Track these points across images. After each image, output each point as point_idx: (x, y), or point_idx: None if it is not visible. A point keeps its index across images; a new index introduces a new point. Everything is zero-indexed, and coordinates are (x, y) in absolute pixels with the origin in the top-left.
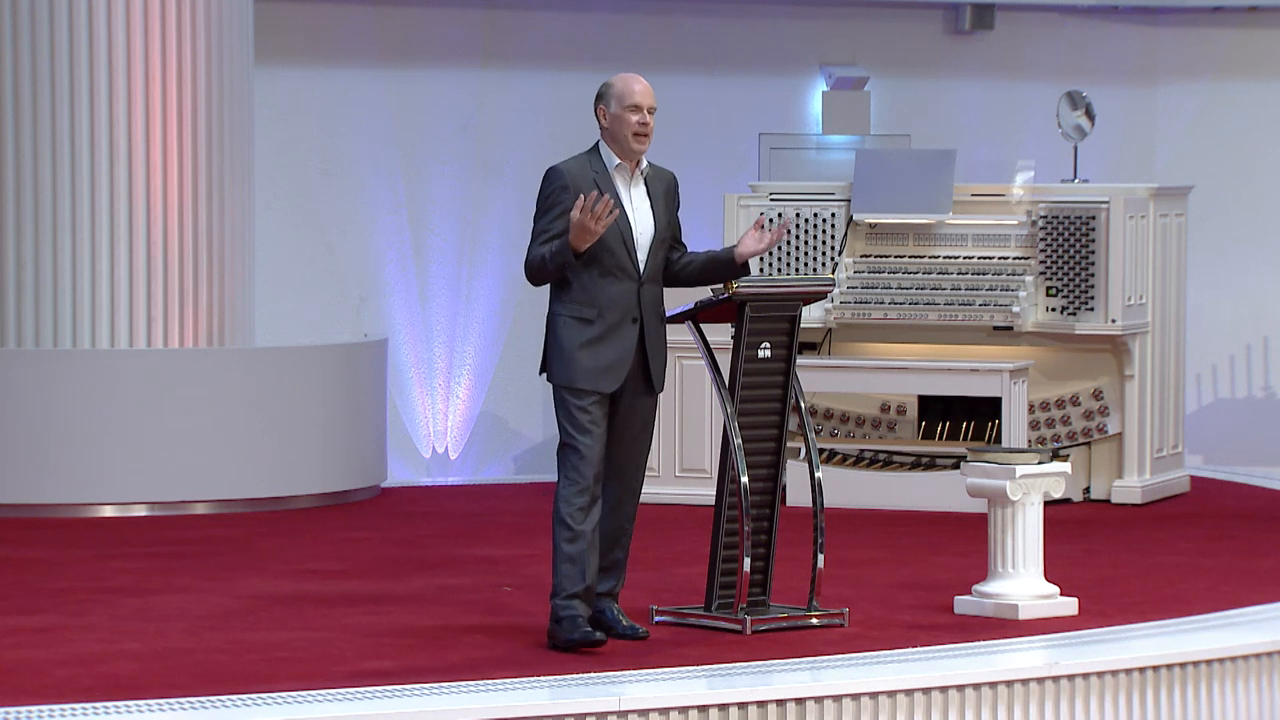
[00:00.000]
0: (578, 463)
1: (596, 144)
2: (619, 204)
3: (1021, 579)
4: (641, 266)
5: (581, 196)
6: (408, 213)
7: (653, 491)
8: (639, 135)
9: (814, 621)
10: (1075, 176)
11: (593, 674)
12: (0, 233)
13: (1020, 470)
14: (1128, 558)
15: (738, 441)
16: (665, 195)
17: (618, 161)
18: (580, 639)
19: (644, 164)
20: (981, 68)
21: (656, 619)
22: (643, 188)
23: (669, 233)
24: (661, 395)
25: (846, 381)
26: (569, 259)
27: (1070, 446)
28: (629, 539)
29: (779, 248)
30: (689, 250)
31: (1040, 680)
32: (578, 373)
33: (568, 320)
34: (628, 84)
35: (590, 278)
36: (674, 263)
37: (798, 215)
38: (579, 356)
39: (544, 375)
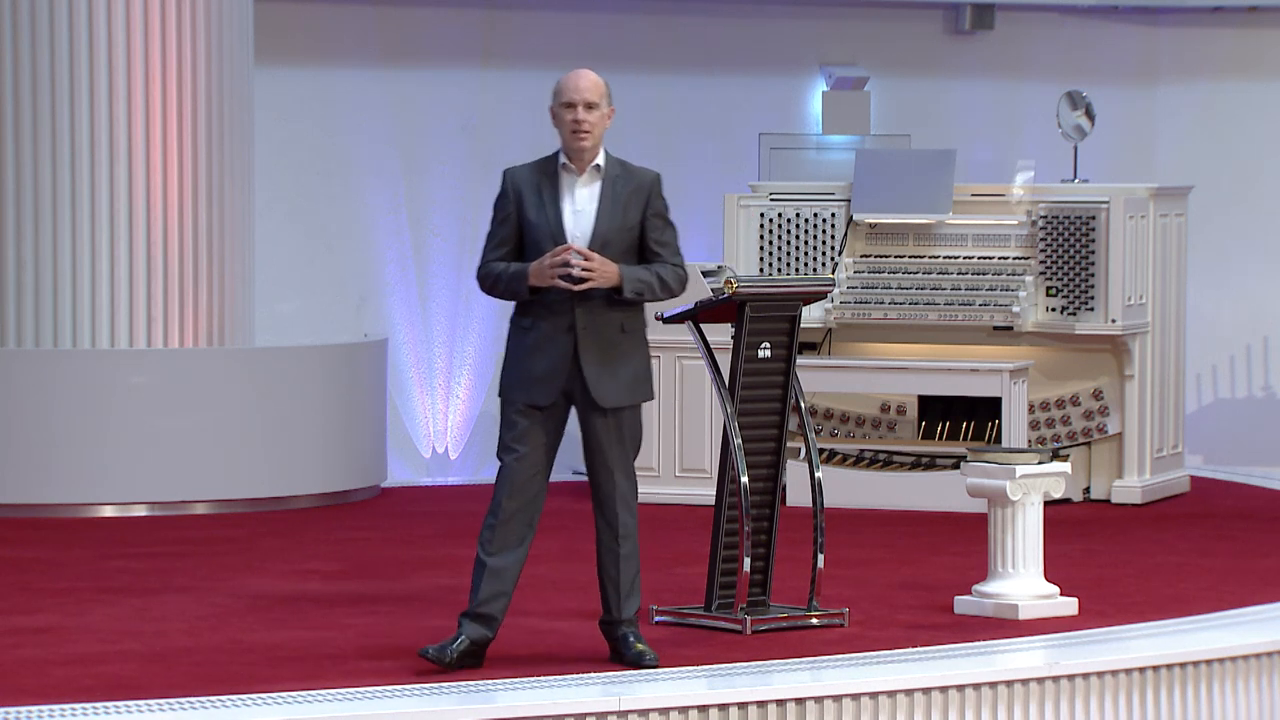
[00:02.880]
0: (499, 481)
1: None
2: (557, 204)
3: (1021, 579)
4: (597, 294)
5: (569, 250)
6: (408, 213)
7: (653, 491)
8: (576, 133)
9: (814, 621)
10: (1075, 176)
11: (593, 674)
12: (0, 233)
13: (1020, 470)
14: (1128, 558)
15: (738, 441)
16: (629, 196)
17: (564, 160)
18: (422, 652)
19: (601, 162)
20: (982, 68)
21: (656, 619)
22: (594, 188)
23: (624, 236)
24: (661, 395)
25: (846, 381)
26: (523, 291)
27: (1070, 446)
28: (621, 566)
29: (779, 248)
30: (669, 261)
31: (1040, 680)
32: (509, 382)
33: (514, 327)
34: (567, 80)
35: (534, 287)
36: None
37: (798, 215)
38: (513, 365)
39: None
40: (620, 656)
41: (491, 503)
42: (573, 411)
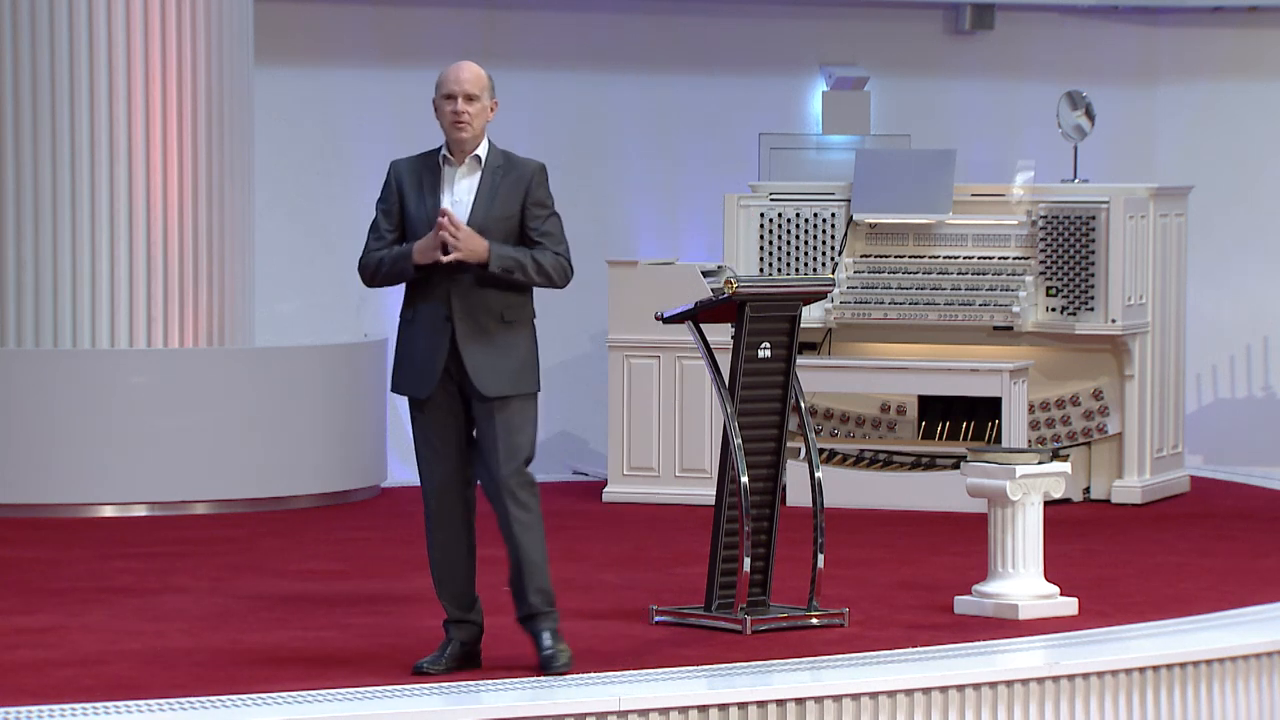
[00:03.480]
0: (421, 485)
1: None
2: (436, 195)
3: (1021, 579)
4: (465, 271)
5: (443, 209)
6: None
7: (653, 491)
8: (455, 124)
9: (814, 621)
10: (1075, 176)
11: (593, 674)
12: (0, 233)
13: (1020, 470)
14: (1128, 558)
15: (738, 441)
16: (509, 187)
17: (444, 152)
18: (416, 668)
19: (482, 153)
20: (981, 68)
21: (656, 619)
22: (474, 179)
23: (501, 226)
24: (661, 395)
25: (846, 381)
26: (409, 270)
27: (1070, 446)
28: (530, 559)
29: (779, 248)
30: (551, 249)
31: (1040, 680)
32: (394, 376)
33: (400, 322)
34: (448, 72)
35: (415, 277)
36: None
37: (798, 215)
38: (397, 359)
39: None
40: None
41: (425, 507)
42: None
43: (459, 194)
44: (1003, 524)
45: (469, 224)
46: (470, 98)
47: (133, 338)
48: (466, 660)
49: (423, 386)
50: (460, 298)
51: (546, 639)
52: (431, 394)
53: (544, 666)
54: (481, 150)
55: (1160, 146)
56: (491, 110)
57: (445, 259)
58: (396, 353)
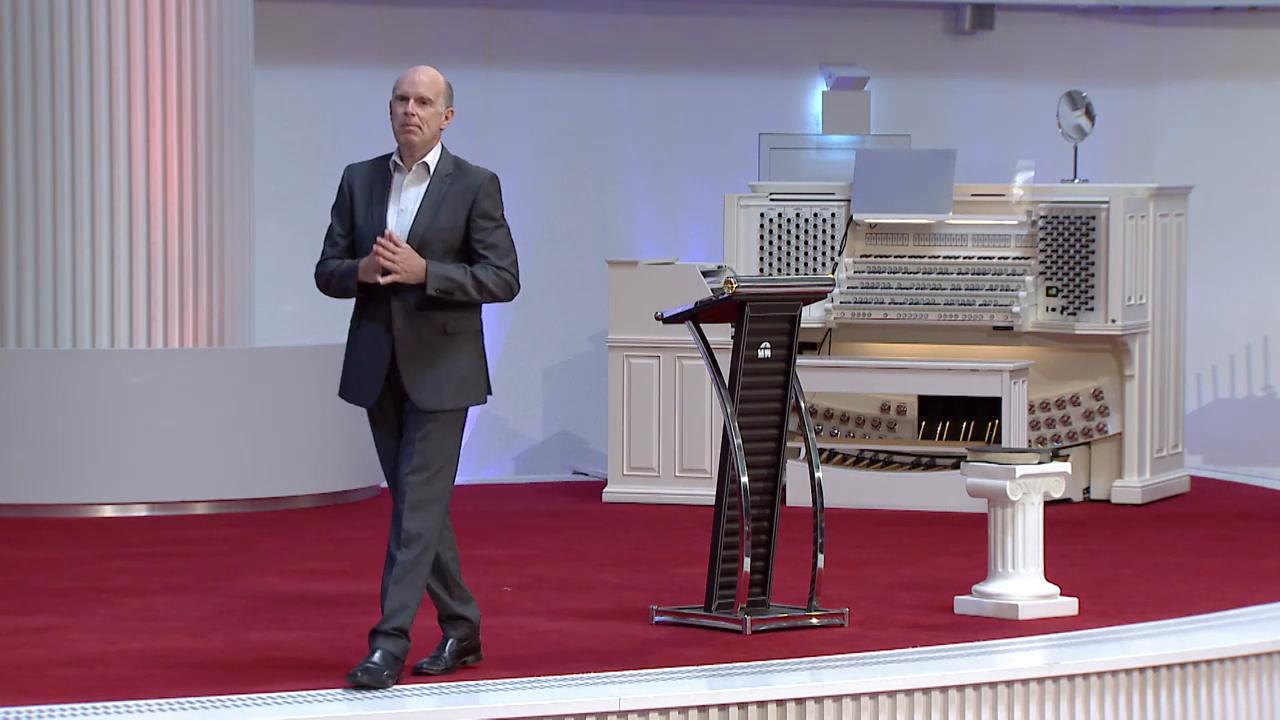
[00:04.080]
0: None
1: None
2: (384, 204)
3: (1021, 579)
4: (408, 294)
5: (385, 235)
6: None
7: (653, 491)
8: (405, 127)
9: (814, 621)
10: (1075, 176)
11: (593, 674)
12: (1, 233)
13: (1020, 470)
14: (1128, 558)
15: (738, 441)
16: (455, 197)
17: (395, 159)
18: (415, 668)
19: (431, 161)
20: (982, 68)
21: (656, 619)
22: (421, 187)
23: (444, 237)
24: (661, 395)
25: (846, 381)
26: (351, 287)
27: (1070, 446)
28: (406, 578)
29: (779, 248)
30: (494, 263)
31: (1040, 680)
32: (343, 385)
33: (349, 328)
34: (405, 75)
35: (364, 285)
36: None
37: (798, 215)
38: (345, 365)
39: None
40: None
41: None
42: None
43: (405, 202)
44: (1003, 524)
45: (411, 234)
46: (423, 101)
47: (133, 338)
48: (464, 655)
49: (365, 396)
50: (402, 311)
51: (378, 658)
52: (378, 403)
53: (358, 671)
54: (431, 158)
55: (1160, 146)
56: (446, 118)
57: (382, 280)
58: (345, 360)
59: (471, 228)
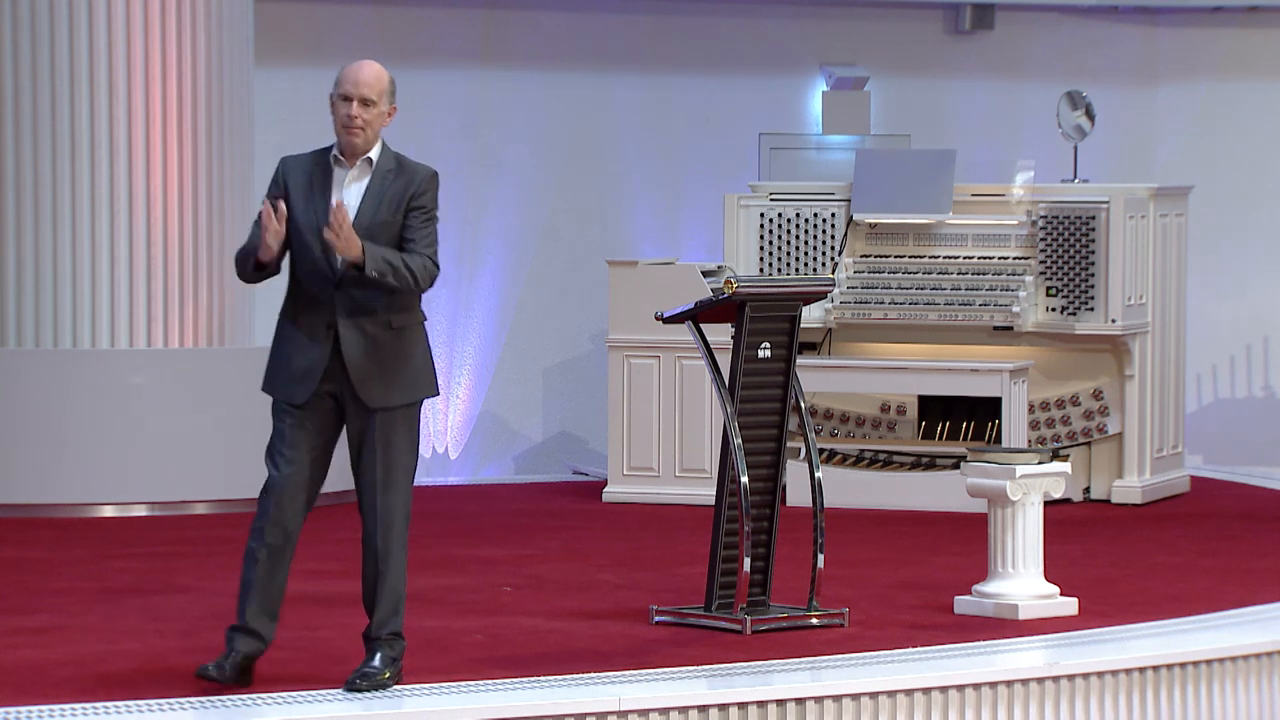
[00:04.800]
0: (266, 485)
1: None
2: (326, 198)
3: (1021, 579)
4: (336, 268)
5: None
6: None
7: (653, 491)
8: (348, 128)
9: (814, 621)
10: (1075, 176)
11: (593, 674)
12: (1, 233)
13: (1020, 470)
14: (1128, 558)
15: (738, 441)
16: (396, 192)
17: (335, 153)
18: (200, 672)
19: (374, 156)
20: (982, 68)
21: (656, 619)
22: (364, 183)
23: (386, 232)
24: (661, 395)
25: (846, 381)
26: (254, 255)
27: (1070, 446)
28: (388, 583)
29: (779, 248)
30: (420, 251)
31: (1040, 680)
32: (269, 377)
33: (280, 323)
34: (348, 71)
35: (297, 280)
36: None
37: (798, 215)
38: (274, 361)
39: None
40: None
41: (258, 510)
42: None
43: (349, 198)
44: (1003, 524)
45: (355, 226)
46: (366, 102)
47: (133, 337)
48: (245, 676)
49: (299, 393)
50: (345, 305)
51: (377, 660)
52: (309, 400)
53: (357, 679)
54: (374, 153)
55: (1160, 146)
56: (389, 115)
57: (355, 257)
58: (273, 354)
59: (406, 220)
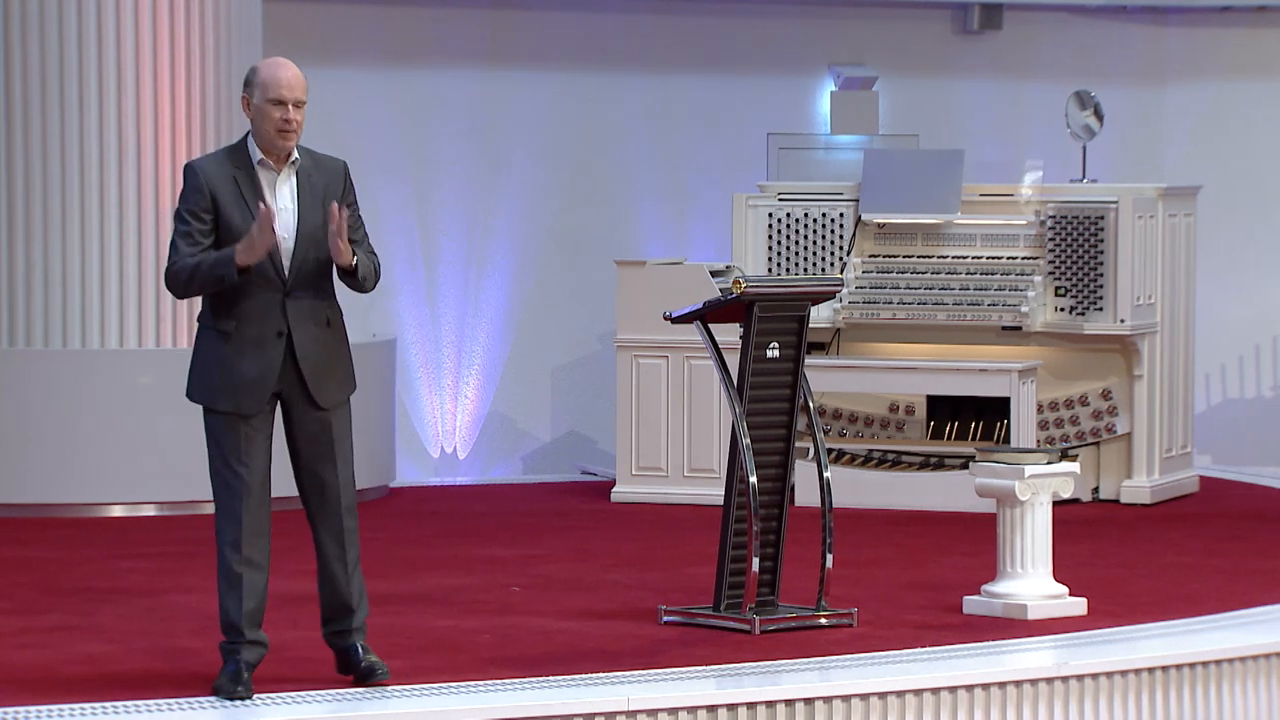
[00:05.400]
0: (227, 497)
1: (246, 136)
2: (258, 199)
3: (1030, 579)
4: (286, 273)
5: (262, 205)
6: (416, 213)
7: (661, 491)
8: (284, 131)
9: (823, 621)
10: (1084, 176)
11: (601, 674)
12: (10, 234)
13: (1029, 470)
14: (1137, 558)
15: (746, 441)
16: (325, 190)
17: (260, 157)
18: (228, 694)
19: (296, 157)
20: (990, 68)
21: (665, 619)
22: (292, 183)
23: (322, 232)
24: (669, 395)
25: (855, 381)
26: (230, 274)
27: (1079, 446)
28: (349, 572)
29: (788, 248)
30: (373, 252)
31: (1049, 680)
32: (213, 389)
33: (210, 331)
34: (274, 73)
35: (232, 288)
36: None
37: (806, 215)
38: (214, 371)
39: (190, 397)
40: (350, 668)
41: (228, 523)
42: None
43: (282, 200)
44: (1011, 524)
45: (298, 233)
46: (298, 104)
47: (142, 338)
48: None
49: (253, 403)
50: (294, 310)
51: (361, 651)
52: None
53: (367, 677)
54: (294, 152)
55: (1169, 146)
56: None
57: (349, 262)
58: (207, 366)
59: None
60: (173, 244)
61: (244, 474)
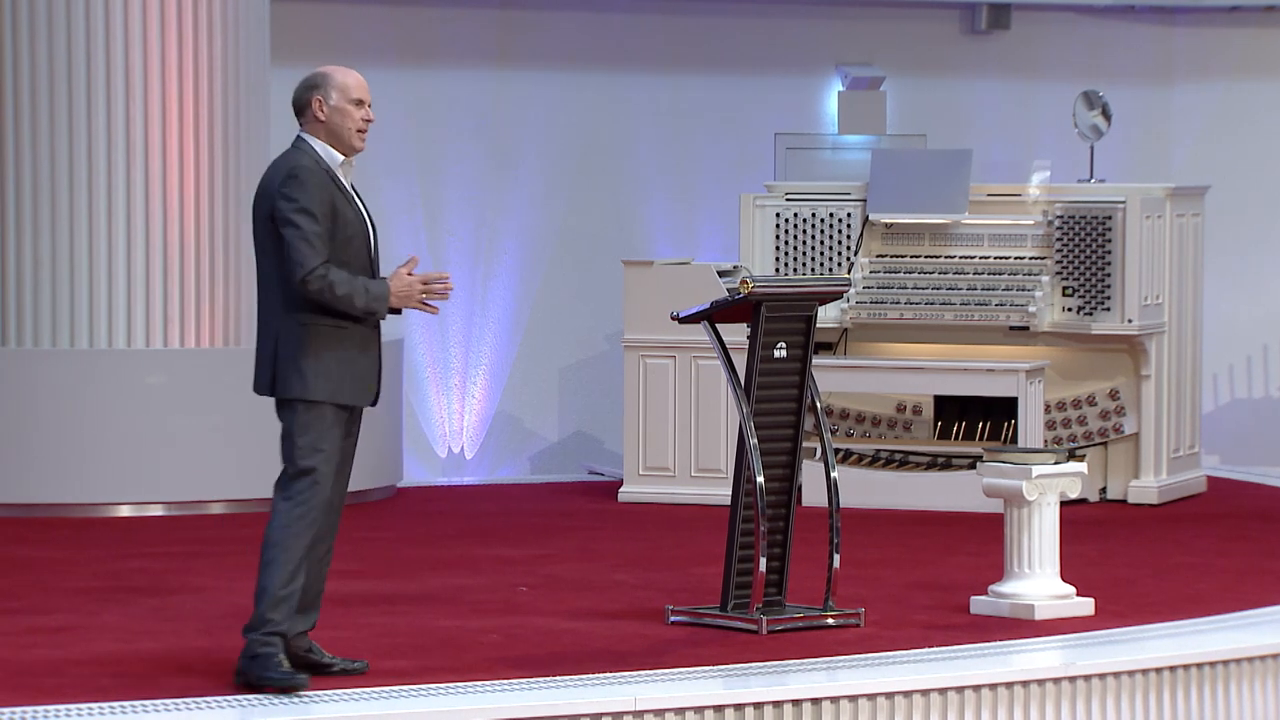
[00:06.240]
0: (312, 492)
1: (298, 138)
2: (349, 201)
3: (1038, 579)
4: (379, 267)
5: (415, 263)
6: (423, 213)
7: (668, 491)
8: (363, 131)
9: (830, 621)
10: (1091, 176)
11: (608, 674)
12: (19, 234)
13: (1036, 470)
14: (1144, 558)
15: (754, 441)
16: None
17: (341, 159)
18: (282, 679)
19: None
20: (997, 67)
21: (672, 619)
22: (351, 180)
23: None
24: (677, 395)
25: (862, 381)
26: (382, 312)
27: (1086, 446)
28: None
29: (795, 247)
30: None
31: (1056, 681)
32: (334, 386)
33: (320, 329)
34: (348, 75)
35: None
36: None
37: (814, 215)
38: (334, 366)
39: (276, 392)
40: (327, 669)
41: (296, 520)
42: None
43: (356, 202)
44: (1019, 524)
45: (375, 232)
46: (371, 105)
47: (149, 338)
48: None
49: (365, 395)
50: None
51: (324, 652)
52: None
53: (349, 669)
54: None
55: (1177, 146)
56: None
57: (434, 311)
58: (321, 360)
59: None
60: (308, 241)
61: (329, 472)
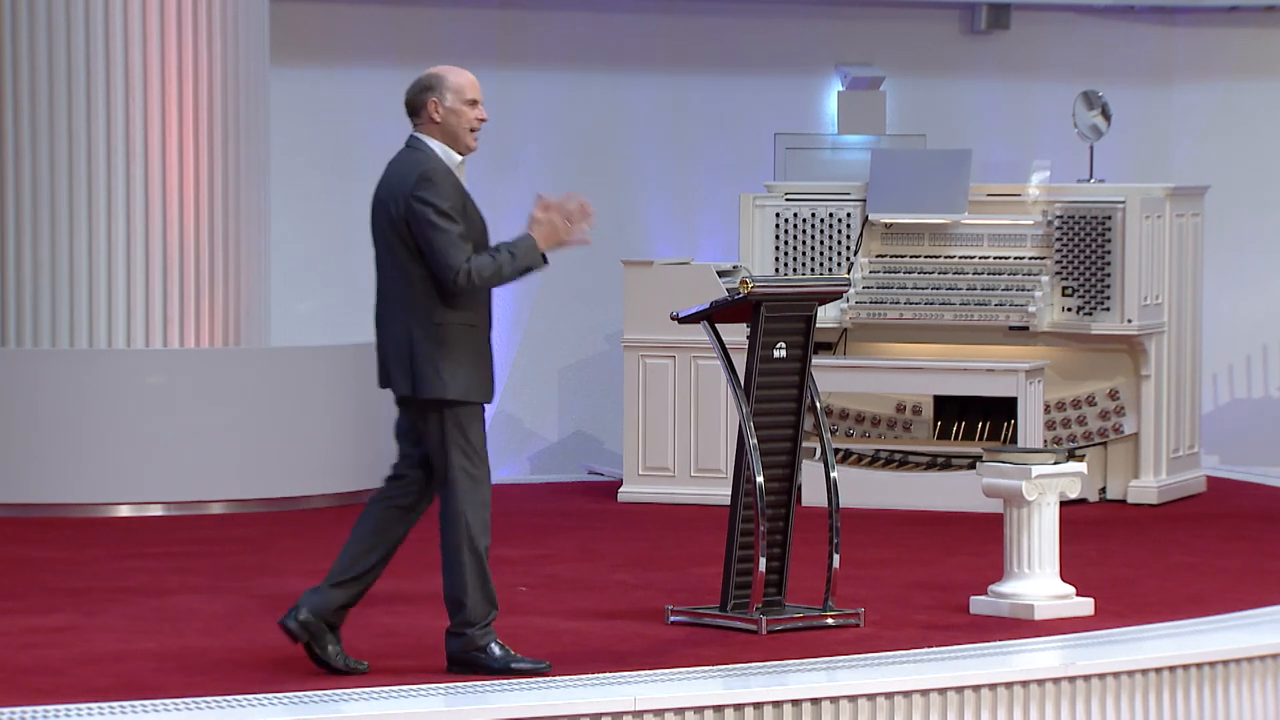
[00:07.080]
0: (479, 490)
1: (414, 140)
2: (473, 204)
3: (1037, 579)
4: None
5: (548, 199)
6: None
7: (668, 491)
8: (475, 130)
9: (829, 622)
10: (1091, 176)
11: (608, 674)
12: (18, 234)
13: (1036, 470)
14: (1144, 558)
15: (753, 441)
16: None
17: (459, 159)
18: (532, 667)
19: None
20: (997, 67)
21: (672, 619)
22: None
23: None
24: (677, 395)
25: (862, 381)
26: (538, 263)
27: (1086, 446)
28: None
29: (795, 247)
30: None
31: (1056, 681)
32: (470, 384)
33: (454, 328)
34: (461, 76)
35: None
36: None
37: (813, 214)
38: (470, 366)
39: (418, 393)
40: (328, 665)
41: (477, 518)
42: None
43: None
44: (1018, 524)
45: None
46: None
47: (149, 338)
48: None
49: (491, 392)
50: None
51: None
52: None
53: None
54: None
55: (1176, 146)
56: None
57: (588, 242)
58: (459, 360)
59: None
60: (452, 242)
61: (488, 464)
